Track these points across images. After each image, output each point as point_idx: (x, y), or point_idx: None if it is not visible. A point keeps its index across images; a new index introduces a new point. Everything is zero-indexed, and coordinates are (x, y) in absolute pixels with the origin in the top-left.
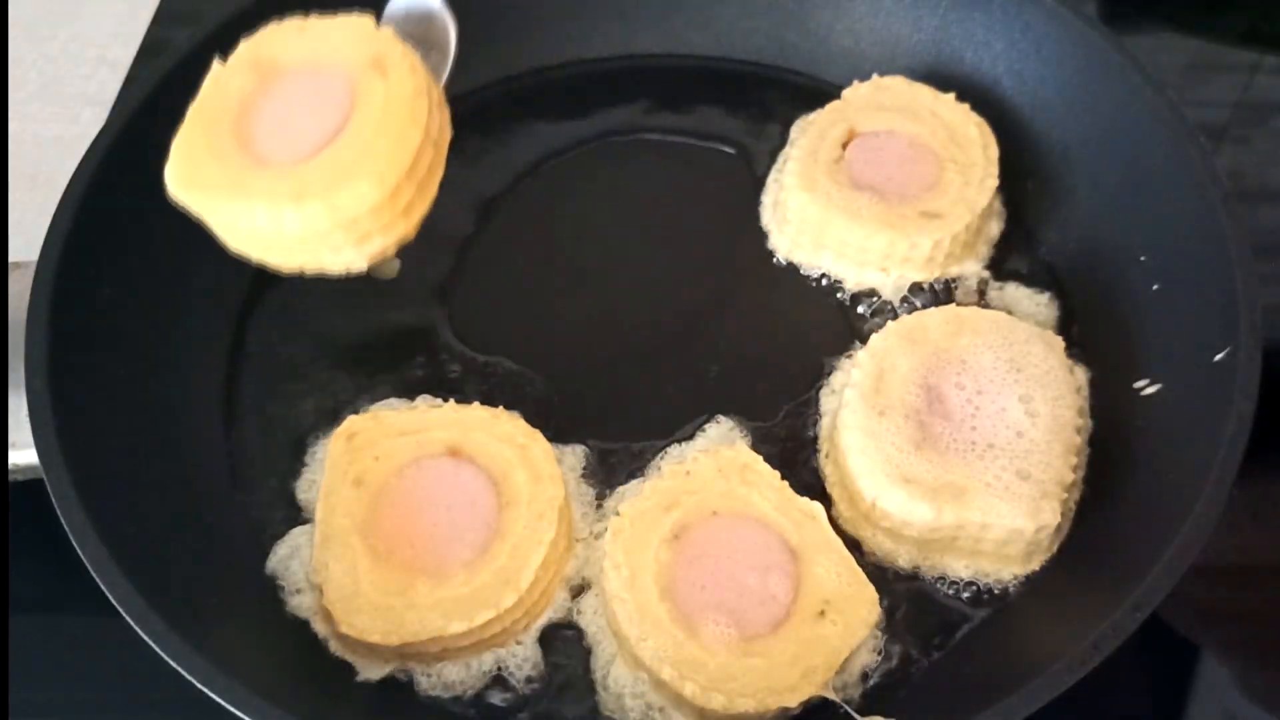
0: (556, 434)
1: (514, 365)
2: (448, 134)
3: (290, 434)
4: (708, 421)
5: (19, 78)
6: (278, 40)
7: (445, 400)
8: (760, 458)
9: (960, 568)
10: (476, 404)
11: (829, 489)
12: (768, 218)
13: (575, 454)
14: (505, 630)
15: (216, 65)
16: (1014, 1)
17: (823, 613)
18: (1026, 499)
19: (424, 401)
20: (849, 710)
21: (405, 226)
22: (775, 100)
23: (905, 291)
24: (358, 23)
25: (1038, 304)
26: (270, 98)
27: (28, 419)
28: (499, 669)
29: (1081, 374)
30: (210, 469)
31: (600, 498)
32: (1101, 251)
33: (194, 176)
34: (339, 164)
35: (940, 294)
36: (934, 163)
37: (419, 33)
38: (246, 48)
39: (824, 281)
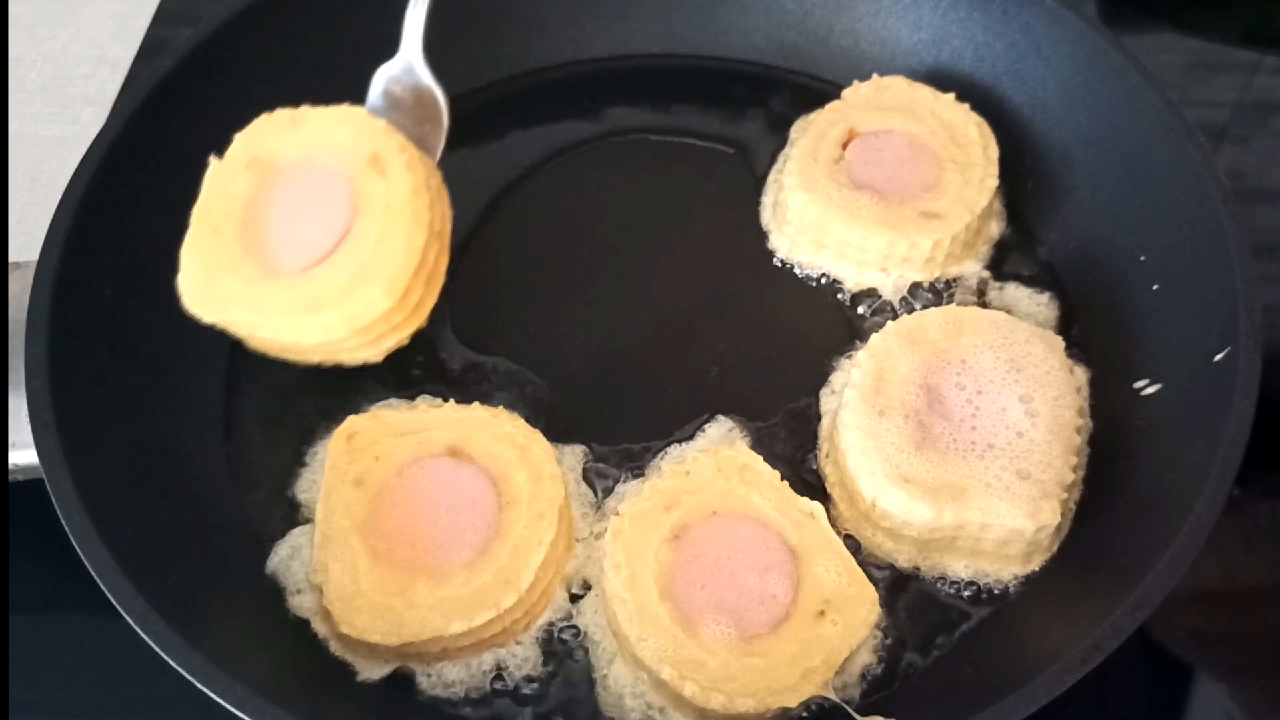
0: (556, 434)
1: (514, 365)
2: (449, 221)
3: (290, 434)
4: (708, 421)
5: (19, 78)
6: (271, 136)
7: (445, 400)
8: (760, 458)
9: (960, 568)
10: (476, 404)
11: (829, 489)
12: (768, 218)
13: (575, 454)
14: (505, 630)
15: (214, 163)
16: (1014, 2)
17: (823, 613)
18: (1026, 499)
19: (424, 401)
20: (849, 710)
21: (417, 321)
22: (775, 100)
23: (905, 291)
24: (351, 116)
25: (1038, 304)
26: (271, 199)
27: (28, 419)
28: (499, 669)
29: (1081, 374)
30: (211, 469)
31: (600, 498)
32: (1101, 251)
33: (209, 294)
34: (348, 272)
35: (940, 294)
36: (934, 163)
37: (410, 105)
38: (241, 144)
39: (824, 281)
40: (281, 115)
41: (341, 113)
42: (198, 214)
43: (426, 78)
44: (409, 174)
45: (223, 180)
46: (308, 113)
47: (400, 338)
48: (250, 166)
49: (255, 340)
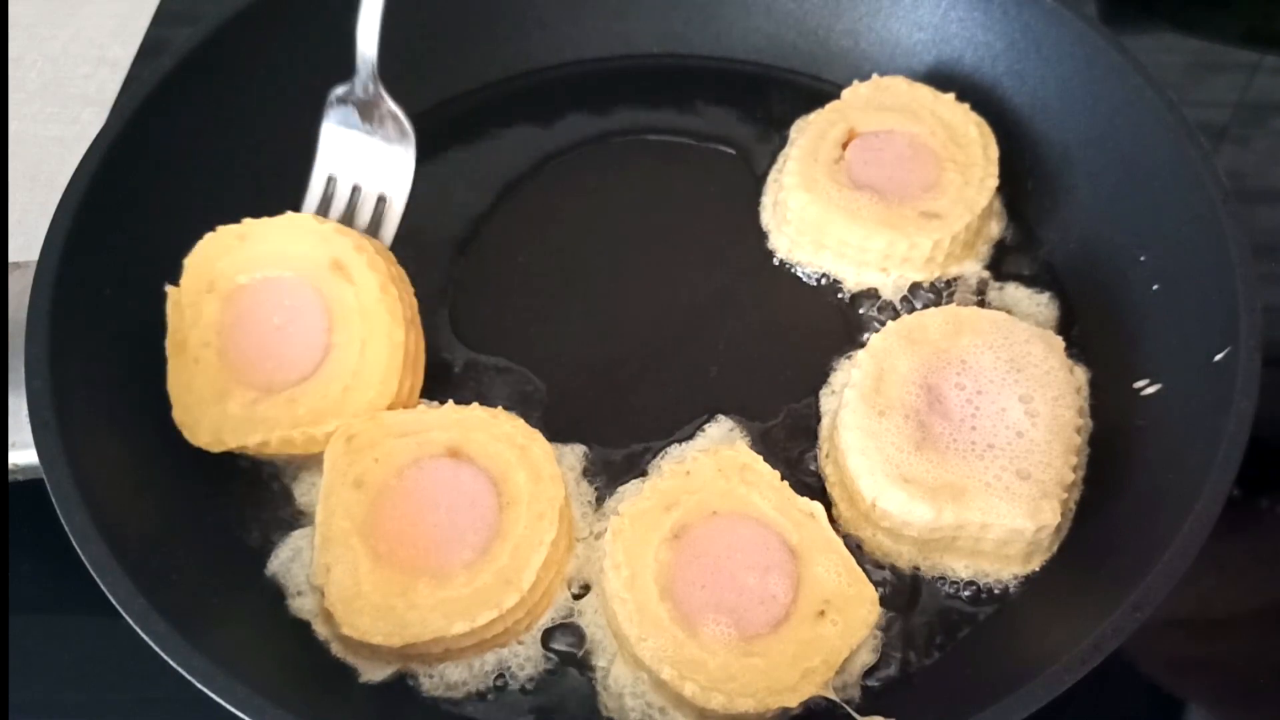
0: (556, 434)
1: (514, 365)
2: (415, 301)
3: None
4: (708, 421)
5: (19, 78)
6: (223, 256)
7: (445, 400)
8: (760, 458)
9: (960, 568)
10: (476, 404)
11: (829, 489)
12: (768, 218)
13: (575, 454)
14: (507, 630)
15: (171, 293)
16: (1014, 1)
17: (823, 613)
18: (1026, 499)
19: (423, 402)
20: (849, 710)
21: (412, 402)
22: (775, 100)
23: (905, 291)
24: (300, 224)
25: (1038, 304)
26: (243, 320)
27: (28, 419)
28: (501, 669)
29: (1081, 374)
30: (211, 469)
31: (600, 498)
32: (1101, 251)
33: (209, 427)
34: (341, 383)
35: (940, 294)
36: (934, 163)
37: (372, 126)
38: (194, 269)
39: (824, 281)
40: (227, 232)
41: (288, 222)
42: (171, 346)
43: (388, 101)
44: (373, 273)
45: (186, 307)
46: (253, 227)
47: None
48: (211, 290)
49: (263, 454)
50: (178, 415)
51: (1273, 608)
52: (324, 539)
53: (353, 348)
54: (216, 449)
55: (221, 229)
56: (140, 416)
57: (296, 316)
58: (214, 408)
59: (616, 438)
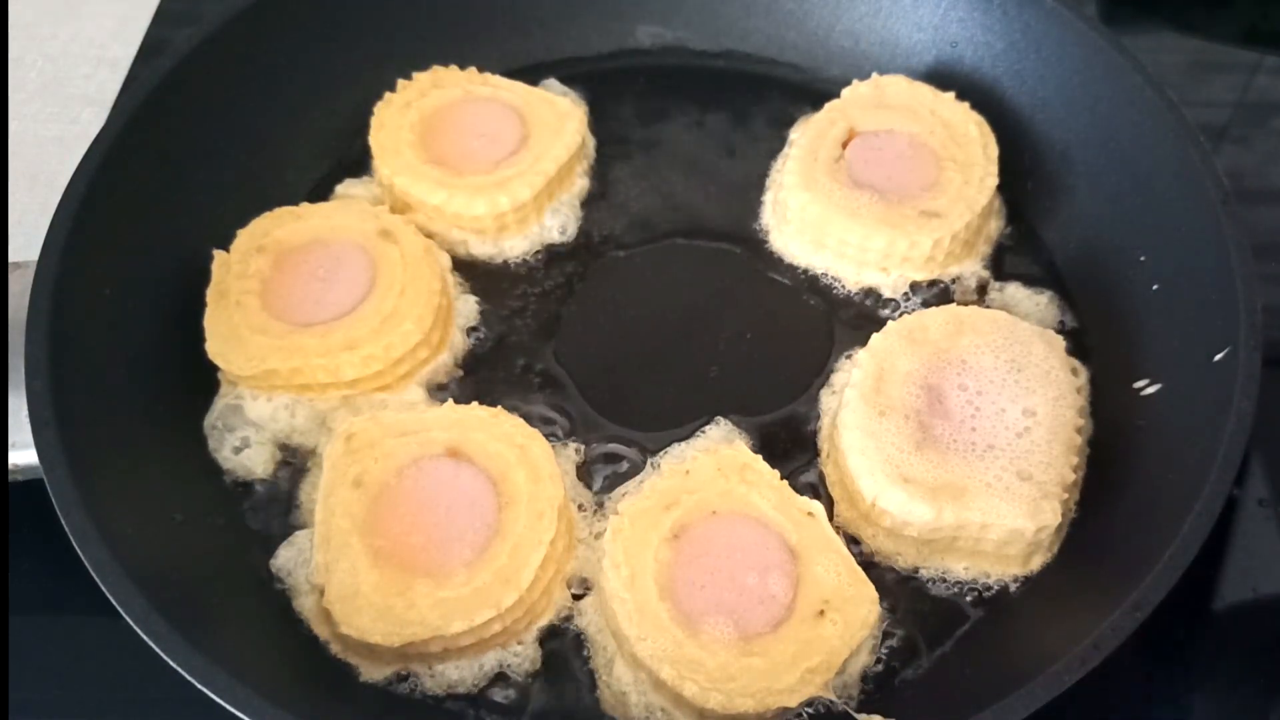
0: (556, 433)
1: (514, 365)
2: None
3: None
4: (708, 422)
5: (19, 78)
6: (278, 225)
7: (445, 400)
8: (760, 457)
9: (960, 568)
10: (475, 404)
11: (829, 489)
12: (768, 217)
13: (574, 453)
14: (506, 630)
15: (219, 255)
16: (1014, 2)
17: (822, 613)
18: (1026, 499)
19: (423, 402)
20: (849, 710)
21: (439, 355)
22: (775, 100)
23: (905, 291)
24: (355, 205)
25: (1038, 304)
26: (289, 271)
27: (28, 419)
28: (501, 669)
29: (1082, 374)
30: (211, 469)
31: (600, 497)
32: (1101, 251)
33: (243, 352)
34: (380, 316)
35: (940, 294)
36: (934, 162)
37: None
38: (247, 236)
39: (824, 281)
40: (285, 211)
41: (344, 203)
42: (213, 294)
43: None
44: (418, 238)
45: (233, 264)
46: (310, 208)
47: (420, 376)
48: (261, 251)
49: (293, 389)
50: (212, 348)
51: None
52: (323, 538)
53: (393, 290)
54: (248, 372)
55: (278, 209)
56: (140, 416)
57: (341, 269)
58: (249, 339)
59: (616, 437)
